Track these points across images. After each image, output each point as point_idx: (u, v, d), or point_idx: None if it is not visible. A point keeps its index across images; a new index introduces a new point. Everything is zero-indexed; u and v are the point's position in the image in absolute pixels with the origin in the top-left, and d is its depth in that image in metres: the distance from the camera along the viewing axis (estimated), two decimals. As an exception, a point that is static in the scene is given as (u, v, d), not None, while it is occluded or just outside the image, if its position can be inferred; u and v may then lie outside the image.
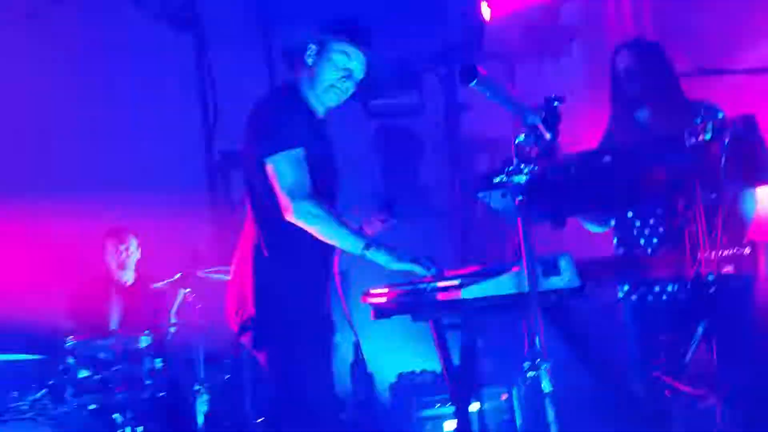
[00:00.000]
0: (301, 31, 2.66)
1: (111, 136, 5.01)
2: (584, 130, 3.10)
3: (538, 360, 1.95)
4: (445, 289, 2.11)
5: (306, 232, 2.49)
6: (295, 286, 2.52)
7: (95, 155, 4.96)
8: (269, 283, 2.52)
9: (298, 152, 2.50)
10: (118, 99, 5.04)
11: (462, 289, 2.03)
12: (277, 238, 2.54)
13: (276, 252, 2.54)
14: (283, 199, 2.47)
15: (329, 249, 2.58)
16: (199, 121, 5.20)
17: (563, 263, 2.09)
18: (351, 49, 2.58)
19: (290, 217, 2.47)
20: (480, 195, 2.40)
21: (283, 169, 2.47)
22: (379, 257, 2.41)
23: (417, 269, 2.38)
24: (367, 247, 2.42)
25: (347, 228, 2.47)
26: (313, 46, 2.59)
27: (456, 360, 2.61)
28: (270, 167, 2.50)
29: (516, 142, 2.09)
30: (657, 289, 2.83)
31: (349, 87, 2.62)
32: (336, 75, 2.57)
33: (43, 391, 3.65)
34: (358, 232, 2.51)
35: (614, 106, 2.96)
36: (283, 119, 2.54)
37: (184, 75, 5.20)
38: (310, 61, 2.59)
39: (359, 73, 2.62)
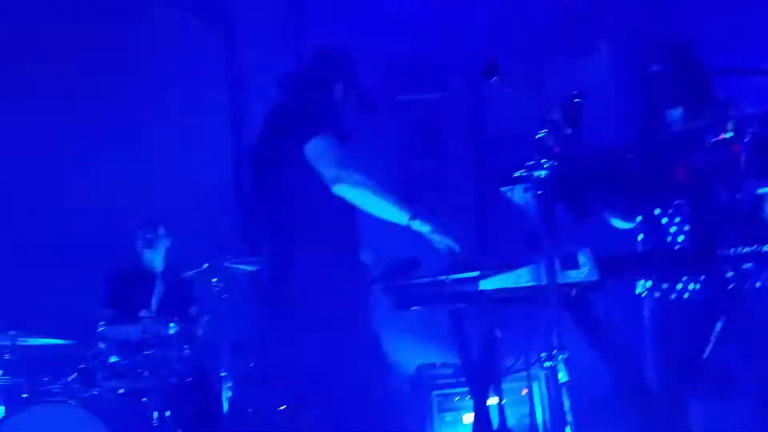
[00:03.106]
0: None
1: (140, 130, 5.09)
2: (610, 127, 3.10)
3: (555, 351, 1.99)
4: (464, 280, 2.16)
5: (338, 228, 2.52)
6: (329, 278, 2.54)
7: (125, 149, 5.06)
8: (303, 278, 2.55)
9: (331, 136, 2.57)
10: (147, 94, 5.11)
11: (481, 281, 2.07)
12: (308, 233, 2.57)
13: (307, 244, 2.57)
14: (332, 171, 2.50)
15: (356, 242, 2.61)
16: (227, 119, 5.27)
17: (582, 257, 2.12)
18: None
19: (340, 186, 2.49)
20: (503, 189, 2.44)
21: (328, 147, 2.52)
22: (425, 227, 2.45)
23: (457, 245, 2.43)
24: (415, 216, 2.45)
25: (393, 197, 2.51)
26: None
27: (474, 353, 2.64)
28: (311, 149, 2.53)
29: (537, 137, 2.13)
30: (680, 286, 2.84)
31: None
32: None
33: (74, 374, 3.76)
34: (404, 202, 2.54)
35: (644, 106, 2.96)
36: (312, 109, 2.65)
37: (214, 72, 5.26)
38: None
39: None
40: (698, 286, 2.74)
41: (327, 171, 2.51)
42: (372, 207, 2.51)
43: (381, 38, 4.89)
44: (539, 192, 2.08)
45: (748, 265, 2.31)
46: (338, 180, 2.49)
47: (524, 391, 3.87)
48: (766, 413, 2.62)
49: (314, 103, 2.66)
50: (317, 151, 2.52)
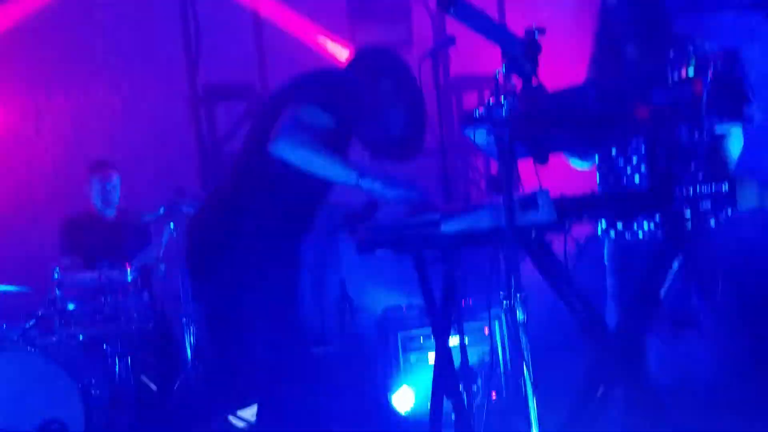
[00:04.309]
0: None
1: (92, 67, 4.94)
2: (570, 64, 3.07)
3: (513, 290, 1.99)
4: (425, 223, 2.14)
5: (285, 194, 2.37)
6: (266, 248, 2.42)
7: (78, 86, 4.91)
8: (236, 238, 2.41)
9: (329, 119, 2.33)
10: (98, 29, 4.95)
11: (442, 223, 2.06)
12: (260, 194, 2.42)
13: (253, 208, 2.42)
14: (279, 130, 2.26)
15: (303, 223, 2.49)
16: (181, 55, 5.11)
17: (541, 198, 2.11)
18: None
19: (276, 144, 2.26)
20: (465, 131, 2.40)
21: (304, 116, 2.28)
22: (375, 186, 2.31)
23: (412, 195, 2.33)
24: (362, 175, 2.31)
25: (339, 158, 2.34)
26: None
27: (437, 294, 2.65)
28: (291, 109, 2.30)
29: (496, 74, 2.08)
30: (635, 226, 2.86)
31: None
32: None
33: (32, 321, 3.71)
34: (350, 162, 2.38)
35: (600, 42, 2.93)
36: (344, 86, 2.44)
37: (167, 7, 5.08)
38: None
39: None
40: (653, 226, 2.78)
41: (277, 127, 2.27)
42: (316, 166, 2.30)
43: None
44: (498, 131, 2.04)
45: (705, 205, 2.32)
46: (278, 139, 2.25)
47: (486, 331, 3.94)
48: (719, 351, 2.68)
49: (345, 82, 2.44)
50: (294, 111, 2.29)
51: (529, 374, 1.98)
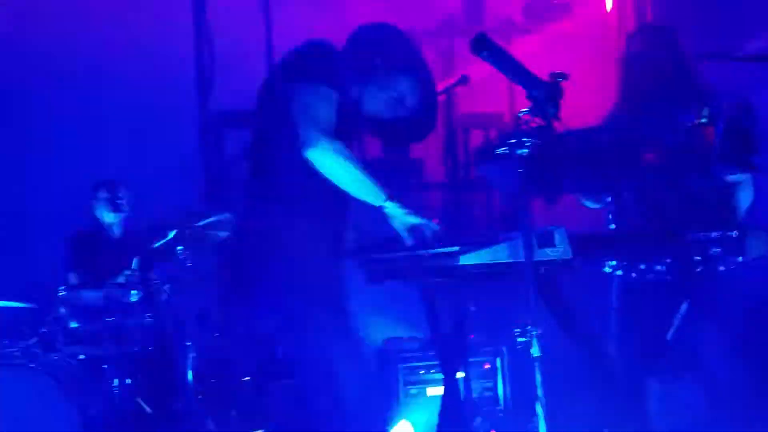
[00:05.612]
0: None
1: (102, 87, 4.98)
2: (574, 107, 3.13)
3: (529, 326, 2.02)
4: (444, 255, 2.17)
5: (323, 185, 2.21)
6: (308, 238, 2.29)
7: (87, 107, 4.94)
8: (277, 236, 2.28)
9: (331, 93, 2.22)
10: (110, 49, 4.99)
11: (461, 256, 2.09)
12: (289, 189, 2.29)
13: (288, 201, 2.28)
14: (305, 131, 2.15)
15: (343, 205, 2.35)
16: (193, 78, 5.16)
17: (558, 236, 2.15)
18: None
19: (310, 152, 2.15)
20: (477, 166, 2.44)
21: (312, 100, 2.17)
22: (397, 211, 2.26)
23: (427, 227, 2.28)
24: (389, 198, 2.24)
25: (370, 175, 2.23)
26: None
27: (445, 327, 2.67)
28: (296, 96, 2.18)
29: (519, 114, 2.13)
30: (643, 266, 2.89)
31: None
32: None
33: (35, 339, 3.70)
34: (379, 183, 2.28)
35: (622, 89, 2.98)
36: (326, 59, 2.28)
37: (181, 28, 5.14)
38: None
39: None
40: (663, 267, 2.81)
41: (302, 129, 2.15)
42: (346, 182, 2.21)
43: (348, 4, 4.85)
44: (520, 170, 2.09)
45: (715, 250, 2.36)
46: (312, 143, 2.14)
47: (486, 366, 3.95)
48: (719, 396, 2.70)
49: (337, 56, 2.29)
50: (300, 99, 2.17)
51: (543, 412, 2.00)
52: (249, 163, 2.44)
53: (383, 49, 2.40)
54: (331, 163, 2.18)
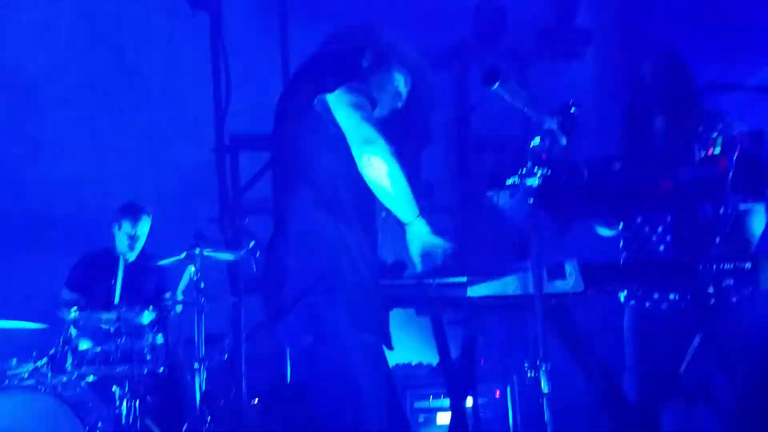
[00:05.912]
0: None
1: (120, 110, 5.03)
2: (588, 134, 3.12)
3: (539, 361, 1.99)
4: (452, 285, 2.15)
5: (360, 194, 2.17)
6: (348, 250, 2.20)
7: (104, 129, 4.98)
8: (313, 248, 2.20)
9: (369, 92, 2.18)
10: (129, 74, 5.05)
11: (469, 287, 2.07)
12: (333, 195, 2.21)
13: (327, 213, 2.21)
14: (364, 129, 2.09)
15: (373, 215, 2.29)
16: (210, 102, 5.21)
17: (569, 268, 2.13)
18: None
19: (368, 155, 2.10)
20: (488, 194, 2.42)
21: (358, 101, 2.12)
22: (423, 229, 2.21)
23: (445, 249, 2.23)
24: (420, 215, 2.22)
25: (410, 190, 2.18)
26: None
27: (454, 354, 2.65)
28: (335, 100, 2.12)
29: (531, 145, 2.12)
30: (656, 296, 2.86)
31: None
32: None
33: (44, 360, 3.70)
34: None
35: (630, 114, 2.97)
36: (350, 58, 2.26)
37: (198, 54, 5.20)
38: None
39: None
40: (677, 297, 2.78)
41: (356, 133, 2.10)
42: (389, 188, 2.13)
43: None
44: (531, 200, 2.07)
45: (728, 282, 2.33)
46: (368, 146, 2.08)
47: (497, 394, 3.91)
48: (731, 427, 2.66)
49: (359, 55, 2.26)
50: (344, 102, 2.11)
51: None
52: (277, 177, 2.38)
53: (367, 50, 2.36)
54: (385, 165, 2.12)
